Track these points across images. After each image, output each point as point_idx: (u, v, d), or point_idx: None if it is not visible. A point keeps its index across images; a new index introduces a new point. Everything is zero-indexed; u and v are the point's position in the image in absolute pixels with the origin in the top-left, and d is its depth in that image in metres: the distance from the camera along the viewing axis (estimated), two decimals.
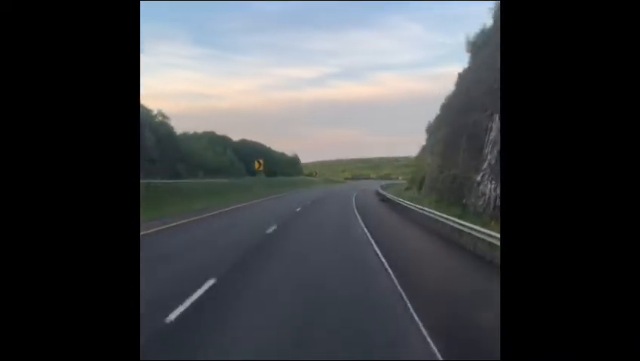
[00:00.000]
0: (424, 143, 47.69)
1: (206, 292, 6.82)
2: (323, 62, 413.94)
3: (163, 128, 41.99)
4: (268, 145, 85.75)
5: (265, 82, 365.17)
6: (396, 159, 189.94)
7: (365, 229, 15.54)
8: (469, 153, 18.11)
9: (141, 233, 11.60)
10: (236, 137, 76.11)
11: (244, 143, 75.78)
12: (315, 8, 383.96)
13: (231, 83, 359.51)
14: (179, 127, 61.60)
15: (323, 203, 31.21)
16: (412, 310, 6.04)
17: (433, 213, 15.90)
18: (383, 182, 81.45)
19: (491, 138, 15.63)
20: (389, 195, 31.59)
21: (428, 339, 4.98)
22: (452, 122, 25.96)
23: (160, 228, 14.70)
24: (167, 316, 5.60)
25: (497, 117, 14.82)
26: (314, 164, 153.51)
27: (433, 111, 51.00)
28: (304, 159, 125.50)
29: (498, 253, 8.35)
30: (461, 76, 29.83)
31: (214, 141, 64.70)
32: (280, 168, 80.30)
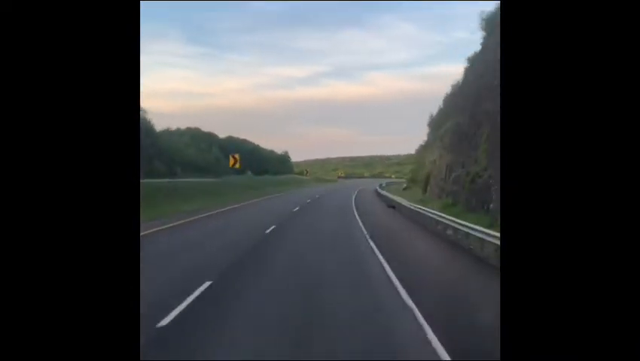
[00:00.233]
0: (425, 138, 46.09)
1: None
2: (315, 61, 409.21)
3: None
4: (257, 142, 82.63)
5: (258, 81, 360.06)
6: (387, 158, 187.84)
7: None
8: (494, 147, 14.72)
9: None
10: (227, 135, 72.95)
11: (230, 140, 72.21)
12: (308, 8, 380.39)
13: (224, 81, 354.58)
14: (173, 125, 59.50)
15: (305, 230, 15.71)
16: None
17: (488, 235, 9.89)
18: (379, 181, 76.33)
19: None
20: (401, 201, 23.11)
21: None
22: (463, 113, 22.68)
23: None
24: None
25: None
26: (305, 162, 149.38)
27: (427, 108, 49.59)
28: (295, 158, 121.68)
29: None
30: (470, 60, 26.33)
31: (199, 138, 61.90)
32: (270, 165, 76.99)
